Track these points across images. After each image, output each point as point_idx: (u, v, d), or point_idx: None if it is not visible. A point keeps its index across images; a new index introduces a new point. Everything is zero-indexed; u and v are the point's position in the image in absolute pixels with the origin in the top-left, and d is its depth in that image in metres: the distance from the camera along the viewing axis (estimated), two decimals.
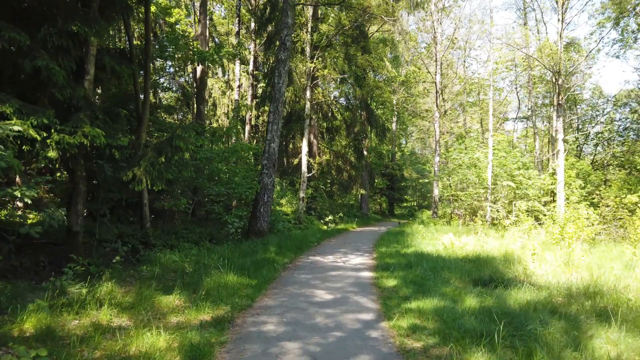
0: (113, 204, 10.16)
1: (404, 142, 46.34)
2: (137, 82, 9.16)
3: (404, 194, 39.17)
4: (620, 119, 28.10)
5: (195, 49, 13.45)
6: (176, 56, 13.51)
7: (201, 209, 11.62)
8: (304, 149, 17.53)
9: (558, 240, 12.16)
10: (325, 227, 18.69)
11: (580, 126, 29.59)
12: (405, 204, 41.02)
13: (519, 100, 29.79)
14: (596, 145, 29.30)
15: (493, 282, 6.76)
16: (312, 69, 17.47)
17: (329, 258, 9.13)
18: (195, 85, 15.78)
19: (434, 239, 13.54)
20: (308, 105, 17.65)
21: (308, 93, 17.65)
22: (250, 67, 23.48)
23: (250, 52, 24.17)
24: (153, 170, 6.97)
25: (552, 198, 22.42)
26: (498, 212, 20.67)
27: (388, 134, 19.80)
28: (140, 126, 9.17)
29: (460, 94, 28.36)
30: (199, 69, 14.90)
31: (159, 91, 22.77)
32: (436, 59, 21.75)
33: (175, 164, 7.49)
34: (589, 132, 28.70)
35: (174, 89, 18.85)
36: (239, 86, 21.40)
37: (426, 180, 37.37)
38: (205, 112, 27.21)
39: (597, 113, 28.68)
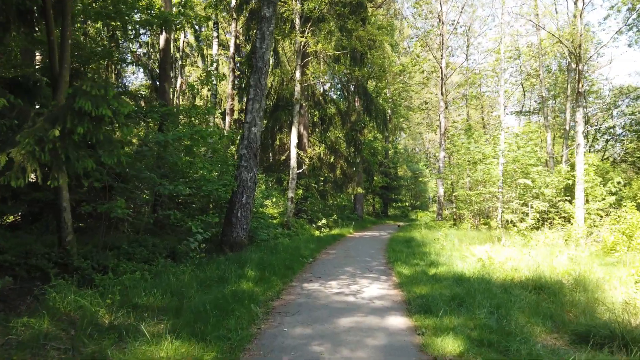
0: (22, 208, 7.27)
1: (397, 139, 43.76)
2: (50, 27, 6.20)
3: (398, 194, 36.64)
4: (633, 113, 26.07)
5: (156, 12, 10.55)
6: (134, 18, 10.60)
7: (158, 214, 8.69)
8: (293, 139, 14.69)
9: (620, 252, 9.64)
10: (318, 232, 15.89)
11: (587, 120, 27.45)
12: (398, 205, 38.49)
13: (524, 91, 27.48)
14: (607, 141, 27.22)
15: (617, 340, 4.07)
16: (302, 44, 14.63)
17: (332, 286, 6.33)
18: (158, 57, 12.81)
19: (455, 249, 10.88)
20: (298, 88, 14.80)
21: (298, 74, 14.81)
22: (231, 50, 20.48)
23: (230, 36, 21.21)
24: (42, 152, 4.06)
25: (569, 198, 20.09)
26: (515, 212, 18.22)
27: (390, 124, 17.10)
28: (56, 92, 6.23)
29: (462, 85, 25.90)
30: (162, 37, 11.91)
31: (123, 71, 19.69)
32: (442, 40, 19.15)
33: (95, 143, 4.60)
34: (599, 126, 26.56)
35: (130, 63, 15.78)
36: (216, 69, 18.43)
37: (426, 179, 34.89)
38: (183, 102, 24.15)
39: (607, 106, 26.56)
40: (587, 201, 16.95)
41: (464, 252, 10.38)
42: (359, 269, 7.93)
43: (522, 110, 28.23)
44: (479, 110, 29.72)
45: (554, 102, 27.44)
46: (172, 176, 8.84)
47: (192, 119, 12.61)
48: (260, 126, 9.39)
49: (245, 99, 21.59)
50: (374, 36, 14.38)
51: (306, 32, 14.35)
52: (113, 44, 13.36)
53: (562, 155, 22.67)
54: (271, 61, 17.61)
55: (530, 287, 6.39)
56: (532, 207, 18.16)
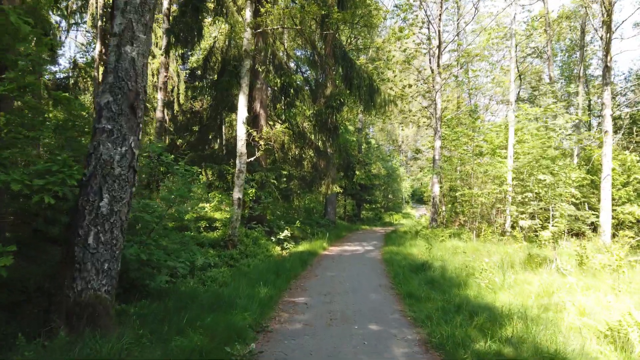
0: None
1: (369, 135, 39.38)
2: None
3: (372, 194, 32.27)
4: None
5: None
6: None
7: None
8: (241, 112, 9.66)
9: None
10: (279, 249, 10.95)
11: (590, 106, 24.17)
12: (371, 206, 34.12)
13: (520, 79, 23.82)
14: (615, 132, 24.09)
15: None
16: None
17: None
18: None
19: (512, 287, 6.31)
20: (248, 34, 9.79)
21: (248, 13, 9.80)
22: (165, 5, 15.03)
23: None
24: None
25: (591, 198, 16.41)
26: (533, 217, 14.17)
27: (378, 97, 12.49)
28: None
29: (452, 66, 21.87)
30: None
31: None
32: None
33: None
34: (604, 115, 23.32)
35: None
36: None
37: (401, 179, 30.63)
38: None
39: (621, 91, 23.32)
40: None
41: (532, 293, 5.82)
42: None
43: (517, 99, 24.58)
44: (467, 99, 25.87)
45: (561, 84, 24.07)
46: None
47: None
48: (147, 44, 4.35)
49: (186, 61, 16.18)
50: None
51: None
52: None
53: (574, 147, 18.96)
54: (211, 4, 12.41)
55: None
56: (555, 211, 14.17)
